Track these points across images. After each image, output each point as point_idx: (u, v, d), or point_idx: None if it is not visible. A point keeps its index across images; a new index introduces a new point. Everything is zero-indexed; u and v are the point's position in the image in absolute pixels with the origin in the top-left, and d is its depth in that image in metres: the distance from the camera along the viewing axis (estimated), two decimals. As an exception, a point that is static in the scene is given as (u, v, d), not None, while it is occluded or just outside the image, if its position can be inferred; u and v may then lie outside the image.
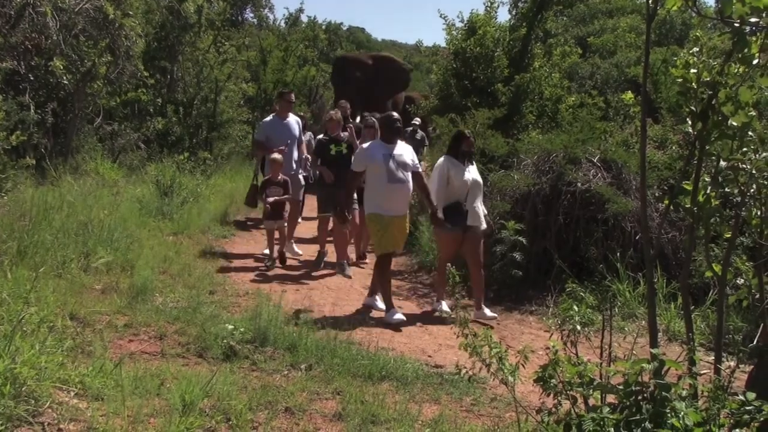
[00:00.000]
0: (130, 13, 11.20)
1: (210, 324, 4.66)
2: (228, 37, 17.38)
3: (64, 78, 9.73)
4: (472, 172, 6.33)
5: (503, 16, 41.45)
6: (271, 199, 7.40)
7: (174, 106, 13.76)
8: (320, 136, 8.05)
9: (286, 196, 7.53)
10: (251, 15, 27.01)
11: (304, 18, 26.92)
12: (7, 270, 4.61)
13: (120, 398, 3.12)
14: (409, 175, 6.02)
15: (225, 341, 4.34)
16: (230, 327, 4.53)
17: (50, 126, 9.53)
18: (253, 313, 4.91)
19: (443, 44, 15.33)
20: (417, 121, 14.80)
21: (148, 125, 12.30)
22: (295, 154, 8.06)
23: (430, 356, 5.05)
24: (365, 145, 6.20)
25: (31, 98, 9.32)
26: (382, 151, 5.95)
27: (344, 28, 41.00)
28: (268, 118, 8.35)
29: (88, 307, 4.55)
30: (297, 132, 8.13)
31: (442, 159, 6.41)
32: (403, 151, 6.10)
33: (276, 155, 7.53)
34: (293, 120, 8.23)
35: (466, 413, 3.88)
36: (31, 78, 9.65)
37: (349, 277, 7.33)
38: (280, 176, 7.52)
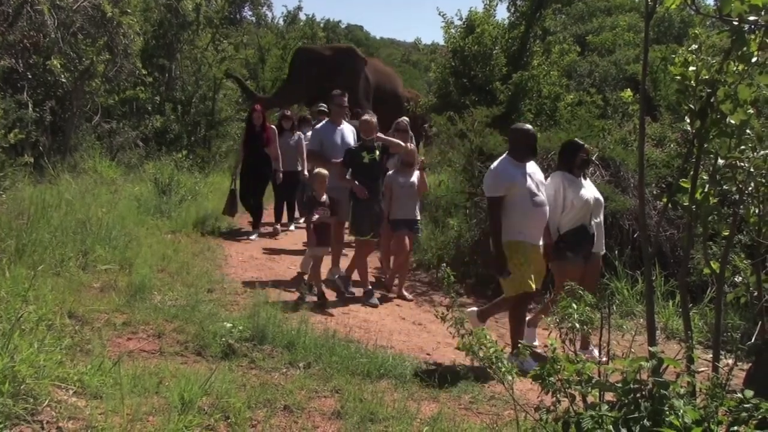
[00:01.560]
0: (129, 11, 11.19)
1: (208, 322, 4.65)
2: (226, 35, 17.38)
3: (63, 76, 9.72)
4: (590, 189, 5.37)
5: (502, 14, 41.43)
6: (316, 216, 6.18)
7: (172, 104, 13.77)
8: (353, 146, 6.90)
9: (333, 217, 6.37)
10: (249, 13, 27.04)
11: (302, 16, 26.99)
12: (5, 268, 4.60)
13: (119, 396, 3.12)
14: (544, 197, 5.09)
15: (223, 339, 4.34)
16: (229, 325, 4.52)
17: (48, 124, 9.54)
18: (251, 312, 4.91)
19: (442, 42, 15.35)
20: (404, 120, 13.89)
21: (147, 123, 12.32)
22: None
23: (428, 354, 5.05)
24: (497, 165, 5.07)
25: (30, 96, 9.33)
26: (520, 171, 4.98)
27: (342, 26, 40.96)
28: (320, 125, 7.35)
29: (87, 306, 4.55)
30: (353, 141, 7.05)
31: (554, 176, 5.36)
32: (535, 169, 5.17)
33: (321, 169, 6.42)
34: (348, 128, 7.22)
35: (464, 411, 3.88)
36: (30, 76, 9.64)
37: (376, 306, 6.31)
38: (324, 196, 6.30)
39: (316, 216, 6.17)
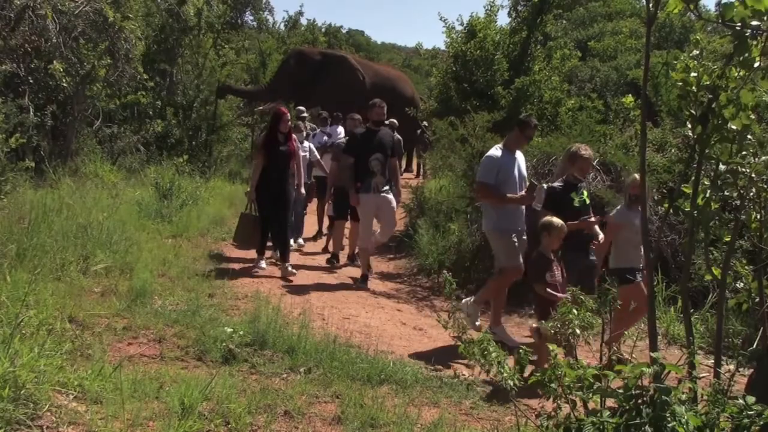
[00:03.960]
0: (130, 15, 11.25)
1: (209, 327, 4.65)
2: (228, 39, 17.44)
3: (64, 81, 9.74)
4: None
5: (503, 19, 41.33)
6: (553, 276, 4.78)
7: (173, 109, 13.83)
8: (555, 183, 5.59)
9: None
10: (251, 18, 27.02)
11: (303, 21, 27.01)
12: (6, 273, 4.59)
13: (119, 401, 3.11)
14: None
15: (224, 344, 4.33)
16: (229, 330, 4.52)
17: (49, 128, 9.56)
18: (252, 316, 4.90)
19: (443, 47, 15.36)
20: (390, 121, 12.11)
21: (148, 128, 12.35)
22: None
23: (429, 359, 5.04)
24: None
25: (31, 101, 9.34)
26: None
27: (344, 31, 40.99)
28: (493, 152, 5.91)
29: (87, 310, 4.54)
30: (525, 171, 6.10)
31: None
32: None
33: (557, 220, 4.90)
34: (521, 156, 6.12)
35: (465, 417, 3.87)
36: (31, 80, 9.66)
37: None
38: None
39: (551, 279, 4.72)
